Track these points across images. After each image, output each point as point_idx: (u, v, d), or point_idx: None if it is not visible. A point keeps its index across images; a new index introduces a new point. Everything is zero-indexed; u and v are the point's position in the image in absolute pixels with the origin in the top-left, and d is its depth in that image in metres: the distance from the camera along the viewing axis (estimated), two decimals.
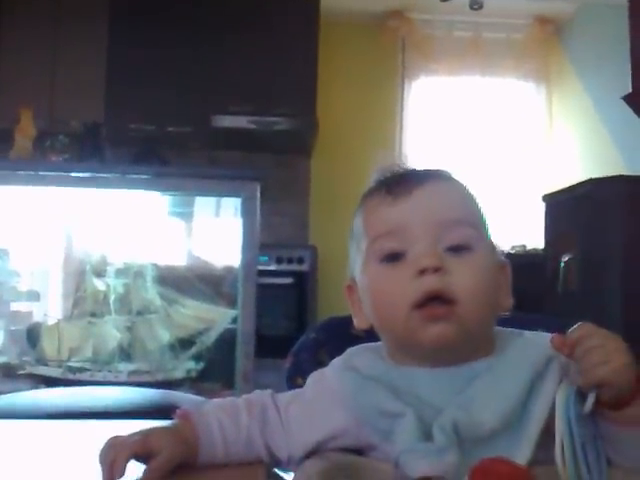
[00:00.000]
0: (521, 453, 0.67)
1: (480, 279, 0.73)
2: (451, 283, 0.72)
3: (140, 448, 0.70)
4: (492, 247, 0.78)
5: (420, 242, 0.73)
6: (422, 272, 0.72)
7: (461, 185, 0.80)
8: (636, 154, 3.84)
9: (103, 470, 0.68)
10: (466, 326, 0.72)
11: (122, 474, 0.68)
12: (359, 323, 0.81)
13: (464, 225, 0.75)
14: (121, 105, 4.28)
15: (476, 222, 0.78)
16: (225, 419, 0.75)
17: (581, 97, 4.53)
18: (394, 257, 0.75)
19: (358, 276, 0.79)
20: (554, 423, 0.69)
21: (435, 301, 0.71)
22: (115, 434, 0.72)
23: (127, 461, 0.69)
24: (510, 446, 0.67)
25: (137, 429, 0.73)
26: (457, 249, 0.74)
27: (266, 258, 4.05)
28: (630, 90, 3.33)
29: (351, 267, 0.82)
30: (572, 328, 0.67)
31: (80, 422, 1.06)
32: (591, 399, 0.63)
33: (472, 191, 0.80)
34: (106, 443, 0.70)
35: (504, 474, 0.54)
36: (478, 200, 0.80)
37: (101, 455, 0.69)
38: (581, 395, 0.63)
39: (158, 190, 2.81)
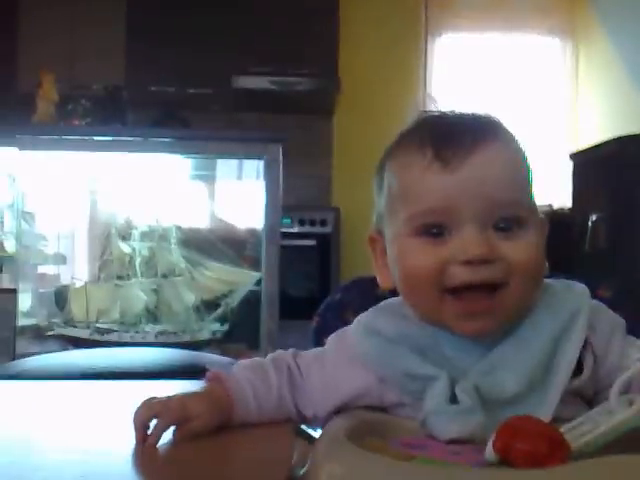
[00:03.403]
0: (545, 412, 0.66)
1: (533, 260, 0.69)
2: (500, 269, 0.67)
3: (181, 416, 0.69)
4: (538, 215, 0.72)
5: (469, 225, 0.67)
6: (468, 262, 0.66)
7: (514, 145, 0.73)
8: None
9: (136, 430, 0.68)
10: (510, 314, 0.69)
11: (158, 441, 0.68)
12: (383, 282, 0.77)
13: (518, 206, 0.69)
14: (141, 68, 4.26)
15: (528, 195, 0.71)
16: (256, 380, 0.75)
17: (608, 52, 4.42)
18: (435, 233, 0.69)
19: (389, 238, 0.74)
20: (579, 382, 0.69)
21: (477, 291, 0.67)
22: (149, 395, 0.72)
23: (167, 429, 0.69)
24: (534, 406, 0.67)
25: (168, 390, 0.73)
26: (508, 228, 0.68)
27: (289, 220, 4.05)
28: None
29: (377, 219, 0.77)
30: None
31: (110, 382, 1.07)
32: None
33: (521, 145, 0.74)
34: (142, 404, 0.70)
35: (533, 432, 0.54)
36: (527, 157, 0.74)
37: (135, 415, 0.69)
38: None
39: (180, 153, 2.82)
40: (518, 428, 0.55)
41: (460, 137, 0.69)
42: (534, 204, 0.73)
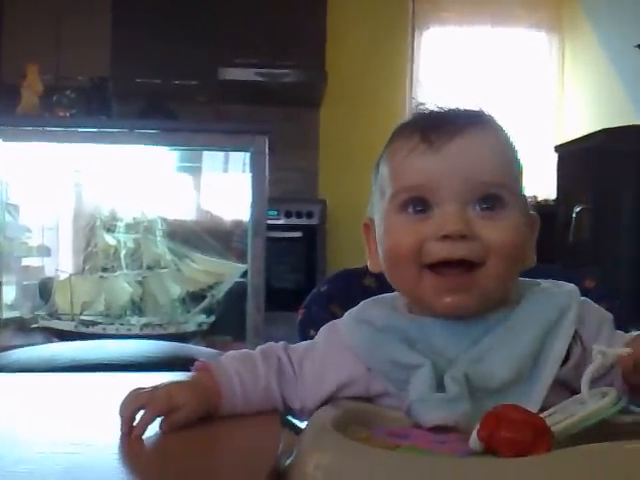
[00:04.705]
0: (532, 403, 0.67)
1: (510, 241, 0.70)
2: (477, 248, 0.69)
3: (167, 406, 0.69)
4: (524, 202, 0.75)
5: (450, 202, 0.70)
6: (446, 237, 0.69)
7: (501, 134, 0.76)
8: None
9: (122, 422, 0.68)
10: (487, 292, 0.70)
11: (145, 432, 0.68)
12: (372, 266, 0.80)
13: (500, 188, 0.71)
14: (127, 59, 4.23)
15: (512, 181, 0.73)
16: (244, 371, 0.76)
17: (594, 46, 4.44)
18: (418, 210, 0.72)
19: (377, 220, 0.77)
20: (564, 370, 0.70)
21: (455, 267, 0.69)
22: (135, 387, 0.71)
23: (153, 420, 0.68)
24: (521, 396, 0.67)
25: (154, 382, 0.73)
26: (489, 208, 0.70)
27: (275, 212, 4.05)
28: None
29: (371, 207, 0.80)
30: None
31: (96, 375, 1.07)
32: None
33: (511, 138, 0.76)
34: (128, 395, 0.70)
35: (518, 421, 0.54)
36: (516, 149, 0.76)
37: (122, 407, 0.69)
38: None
39: (166, 145, 2.80)
40: (502, 416, 0.55)
41: (447, 124, 0.73)
42: (519, 190, 0.75)
